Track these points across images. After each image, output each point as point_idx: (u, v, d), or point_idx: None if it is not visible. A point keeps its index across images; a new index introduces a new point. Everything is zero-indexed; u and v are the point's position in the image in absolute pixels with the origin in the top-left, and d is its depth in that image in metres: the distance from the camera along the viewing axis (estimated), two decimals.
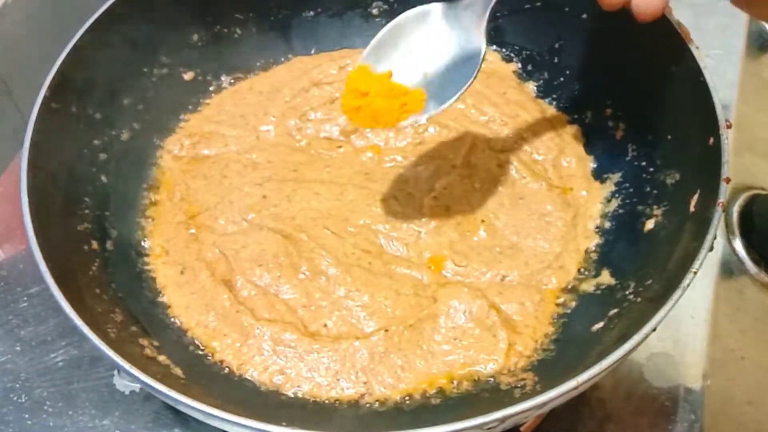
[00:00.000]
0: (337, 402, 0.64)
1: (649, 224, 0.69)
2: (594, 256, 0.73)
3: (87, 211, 0.71)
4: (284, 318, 0.68)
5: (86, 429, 0.69)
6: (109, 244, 0.71)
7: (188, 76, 0.86)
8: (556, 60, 0.86)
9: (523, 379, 0.63)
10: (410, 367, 0.65)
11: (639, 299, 0.63)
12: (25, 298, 0.78)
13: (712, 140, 0.62)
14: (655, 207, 0.70)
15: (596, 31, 0.80)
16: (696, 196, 0.63)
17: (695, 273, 0.55)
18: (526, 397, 0.51)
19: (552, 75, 0.86)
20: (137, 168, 0.80)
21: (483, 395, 0.63)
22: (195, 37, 0.85)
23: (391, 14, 0.92)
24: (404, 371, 0.65)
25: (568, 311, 0.69)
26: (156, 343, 0.64)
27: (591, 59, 0.81)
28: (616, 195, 0.75)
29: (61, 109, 0.70)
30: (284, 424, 0.50)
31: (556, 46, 0.85)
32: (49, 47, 0.71)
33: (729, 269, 0.80)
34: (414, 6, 0.91)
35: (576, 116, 0.83)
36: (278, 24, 0.90)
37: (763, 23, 1.00)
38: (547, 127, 0.82)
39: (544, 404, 0.51)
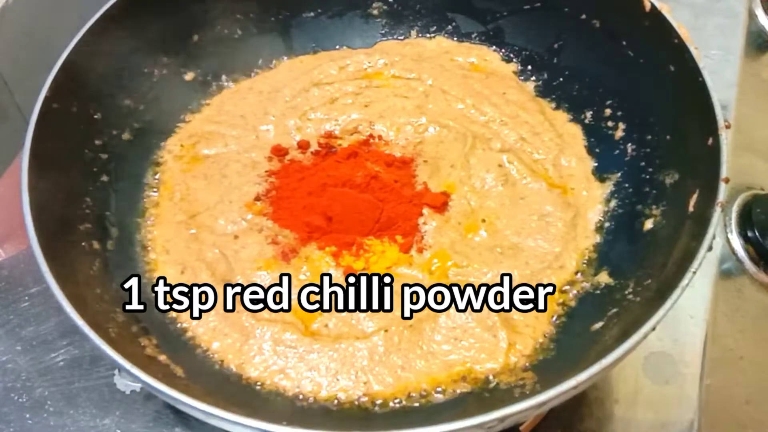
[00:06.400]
0: (337, 401, 0.64)
1: (648, 224, 0.69)
2: (593, 255, 0.73)
3: (88, 211, 0.71)
4: (285, 318, 0.69)
5: (87, 428, 0.69)
6: (109, 244, 0.71)
7: (189, 76, 0.86)
8: (555, 60, 0.86)
9: (523, 379, 0.63)
10: (410, 367, 0.65)
11: (638, 299, 0.63)
12: (26, 298, 0.78)
13: (711, 140, 0.63)
14: (654, 207, 0.70)
15: (595, 32, 0.80)
16: (695, 196, 0.63)
17: (694, 272, 0.55)
18: (525, 396, 0.51)
19: (551, 75, 0.86)
20: (138, 168, 0.80)
21: (483, 394, 0.64)
22: (195, 37, 0.85)
23: (391, 14, 0.92)
24: (404, 371, 0.65)
25: (568, 311, 0.69)
26: (156, 343, 0.64)
27: (590, 59, 0.81)
28: (616, 195, 0.76)
29: (62, 110, 0.70)
30: (284, 423, 0.50)
31: (556, 46, 0.85)
32: (50, 48, 0.71)
33: (728, 269, 0.80)
34: (414, 6, 0.93)
35: (576, 116, 0.83)
36: (278, 24, 0.90)
37: (762, 23, 1.00)
38: (547, 127, 0.82)
39: (543, 404, 0.51)
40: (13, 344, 0.75)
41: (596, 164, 0.79)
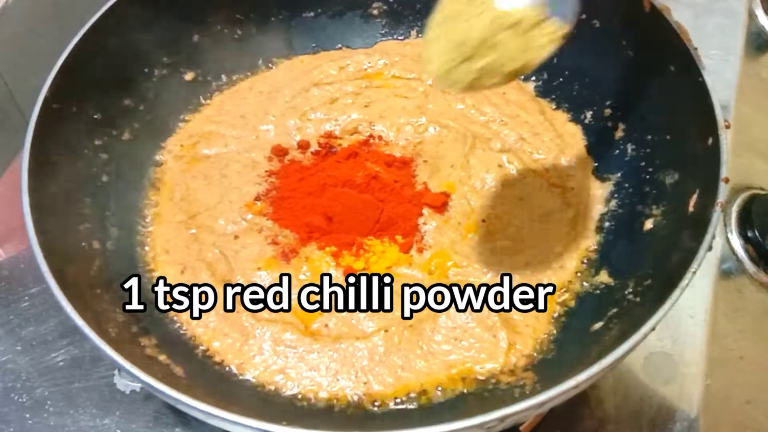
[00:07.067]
0: (337, 402, 0.64)
1: (649, 224, 0.69)
2: (593, 255, 0.73)
3: (88, 211, 0.71)
4: (285, 318, 0.69)
5: (87, 428, 0.69)
6: (109, 244, 0.71)
7: (189, 76, 0.86)
8: (555, 60, 0.85)
9: (523, 379, 0.63)
10: (410, 367, 0.65)
11: (638, 299, 0.63)
12: (26, 298, 0.78)
13: (711, 140, 0.63)
14: (654, 207, 0.70)
15: (596, 31, 0.80)
16: (695, 196, 0.63)
17: (694, 273, 0.55)
18: (525, 396, 0.51)
19: (551, 75, 0.86)
20: (138, 168, 0.80)
21: (483, 395, 0.64)
22: (196, 37, 0.85)
23: (391, 14, 0.92)
24: (404, 371, 0.65)
25: (568, 311, 0.69)
26: (156, 343, 0.64)
27: (590, 59, 0.81)
28: (616, 195, 0.76)
29: (62, 110, 0.70)
30: (284, 423, 0.50)
31: None
32: (49, 47, 0.71)
33: (728, 269, 0.80)
34: (414, 6, 0.92)
35: (576, 116, 0.83)
36: (278, 24, 0.90)
37: (762, 23, 1.00)
38: (546, 127, 0.82)
39: (543, 404, 0.51)
40: (13, 344, 0.75)
41: (596, 164, 0.79)
